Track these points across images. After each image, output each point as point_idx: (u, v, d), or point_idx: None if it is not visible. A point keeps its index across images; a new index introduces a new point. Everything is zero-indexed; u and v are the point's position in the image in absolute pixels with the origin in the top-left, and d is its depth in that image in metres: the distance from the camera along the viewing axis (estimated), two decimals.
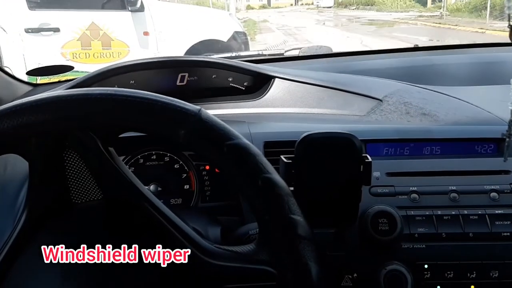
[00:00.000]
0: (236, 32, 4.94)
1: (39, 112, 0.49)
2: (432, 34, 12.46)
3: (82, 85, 1.07)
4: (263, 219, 0.52)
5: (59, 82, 1.34)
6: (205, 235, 0.70)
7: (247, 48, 5.00)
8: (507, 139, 0.50)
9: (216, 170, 0.94)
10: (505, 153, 0.68)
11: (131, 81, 1.10)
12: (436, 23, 15.50)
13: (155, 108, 0.50)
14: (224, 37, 4.84)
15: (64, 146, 0.58)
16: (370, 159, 0.68)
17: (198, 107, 0.52)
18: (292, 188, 0.68)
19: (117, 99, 0.50)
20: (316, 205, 0.69)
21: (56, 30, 4.12)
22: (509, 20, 0.49)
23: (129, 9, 4.35)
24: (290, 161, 0.68)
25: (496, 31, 11.54)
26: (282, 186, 0.52)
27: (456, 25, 13.67)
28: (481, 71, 1.24)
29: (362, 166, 0.68)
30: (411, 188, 0.79)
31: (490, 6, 14.76)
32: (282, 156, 0.69)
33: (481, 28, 12.52)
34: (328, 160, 0.68)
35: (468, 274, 0.73)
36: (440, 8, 19.20)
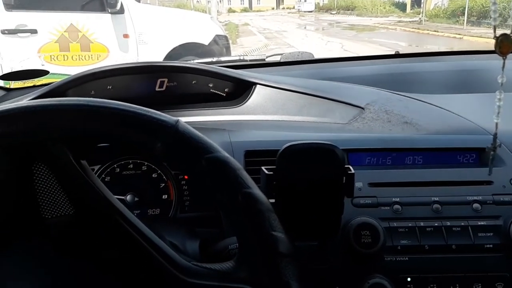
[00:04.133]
0: (218, 36, 4.92)
1: (5, 123, 0.46)
2: (411, 39, 12.65)
3: (57, 90, 1.03)
4: (243, 235, 0.50)
5: (34, 86, 1.30)
6: (183, 249, 0.68)
7: (228, 52, 4.98)
8: (492, 153, 0.49)
9: None
10: (490, 167, 0.67)
11: (108, 87, 1.07)
12: (415, 28, 15.76)
13: (130, 120, 0.48)
14: (205, 40, 4.81)
15: (33, 158, 0.55)
16: (352, 170, 0.66)
17: (175, 118, 0.50)
18: (273, 200, 0.67)
19: (90, 109, 0.48)
20: (298, 218, 0.67)
21: (34, 31, 4.03)
22: (494, 32, 0.48)
23: (109, 11, 4.28)
24: (271, 172, 0.66)
25: (473, 37, 11.78)
26: (263, 202, 0.51)
27: (435, 31, 13.90)
28: (461, 78, 1.24)
29: (344, 178, 0.67)
30: (393, 199, 0.77)
31: (467, 12, 15.06)
32: (263, 168, 0.67)
33: (459, 34, 12.77)
34: (310, 171, 0.66)
35: (451, 287, 0.72)
36: (419, 14, 19.51)
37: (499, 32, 0.48)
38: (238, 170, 0.50)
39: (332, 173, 0.66)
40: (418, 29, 15.34)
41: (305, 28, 18.57)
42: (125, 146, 0.90)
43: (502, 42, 0.49)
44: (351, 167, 0.67)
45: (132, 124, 0.47)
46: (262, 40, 12.86)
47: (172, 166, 0.87)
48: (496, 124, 0.49)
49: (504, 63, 0.49)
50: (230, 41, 6.25)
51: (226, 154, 0.50)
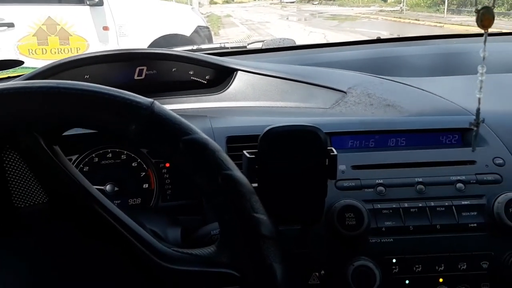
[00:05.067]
0: (199, 27, 4.87)
1: None
2: (392, 28, 12.71)
3: (32, 80, 1.00)
4: (224, 219, 0.49)
5: (8, 78, 1.26)
6: (164, 237, 0.66)
7: (210, 42, 4.93)
8: (475, 129, 0.48)
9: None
10: (473, 144, 0.67)
11: (85, 76, 1.04)
12: (396, 17, 15.83)
13: (102, 101, 0.45)
14: (187, 31, 4.76)
15: (2, 145, 0.52)
16: (335, 152, 0.65)
17: (150, 100, 0.48)
18: (256, 185, 0.65)
19: (60, 92, 0.45)
20: (281, 202, 0.66)
21: (11, 25, 3.94)
22: (476, 4, 0.47)
23: (87, 3, 4.21)
24: (253, 156, 0.65)
25: (454, 25, 11.88)
26: (244, 183, 0.49)
27: (416, 19, 13.99)
28: (443, 61, 1.24)
29: (327, 160, 0.66)
30: (377, 181, 0.77)
31: (447, 1, 15.18)
32: (245, 151, 0.66)
33: (439, 22, 12.87)
34: (292, 154, 0.65)
35: (437, 267, 0.71)
36: (400, 3, 19.61)
37: None
38: (217, 151, 0.48)
39: (315, 155, 0.65)
40: (400, 18, 15.43)
41: (287, 19, 18.52)
42: (103, 134, 0.88)
43: (483, 15, 0.48)
44: (333, 149, 0.66)
45: (105, 105, 0.45)
46: (244, 31, 12.81)
47: (148, 149, 0.85)
48: (479, 99, 0.48)
49: (485, 37, 0.48)
50: (213, 33, 6.21)
51: (205, 136, 0.48)
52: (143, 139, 0.47)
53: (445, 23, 12.50)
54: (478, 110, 0.48)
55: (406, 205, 0.74)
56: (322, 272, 0.72)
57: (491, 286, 0.71)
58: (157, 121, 0.47)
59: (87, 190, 0.52)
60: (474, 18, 0.49)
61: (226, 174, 0.48)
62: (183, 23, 4.83)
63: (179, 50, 1.12)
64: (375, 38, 1.54)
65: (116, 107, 0.46)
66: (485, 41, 0.49)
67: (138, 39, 4.43)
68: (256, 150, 0.65)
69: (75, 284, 0.51)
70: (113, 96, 0.46)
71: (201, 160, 0.48)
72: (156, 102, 0.48)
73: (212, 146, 0.48)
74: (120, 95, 0.47)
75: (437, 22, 12.88)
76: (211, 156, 0.48)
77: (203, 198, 0.51)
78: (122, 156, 0.89)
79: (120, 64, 1.06)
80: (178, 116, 0.48)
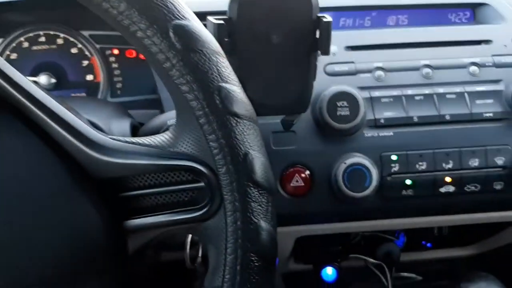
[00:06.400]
0: None
1: None
2: None
3: None
4: (181, 92, 0.34)
5: None
6: (107, 129, 0.51)
7: None
8: None
9: (128, 55, 0.73)
10: None
11: None
12: None
13: None
14: None
15: None
16: (329, 18, 0.50)
17: None
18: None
19: None
20: (259, 84, 0.52)
21: None
22: None
23: None
24: (221, 22, 0.49)
25: None
26: (206, 39, 0.35)
27: None
28: None
29: (318, 30, 0.51)
30: (375, 64, 0.63)
31: None
32: (210, 17, 0.50)
33: None
34: (273, 22, 0.49)
35: (443, 164, 0.60)
36: None
37: None
38: None
39: (302, 22, 0.50)
40: None
41: None
42: (35, 12, 0.70)
43: None
44: (327, 16, 0.50)
45: None
46: None
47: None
48: None
49: None
50: None
51: None
52: None
53: None
54: None
55: (409, 92, 0.62)
56: (308, 172, 0.60)
57: (504, 186, 0.61)
58: None
59: (13, 80, 0.36)
60: None
61: (178, 25, 0.33)
62: None
63: None
64: None
65: None
66: None
67: None
68: (226, 17, 0.49)
69: None
70: None
71: (145, 7, 0.32)
72: None
73: None
74: None
75: None
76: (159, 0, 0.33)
77: (153, 67, 0.36)
78: (58, 41, 0.72)
79: None
80: None
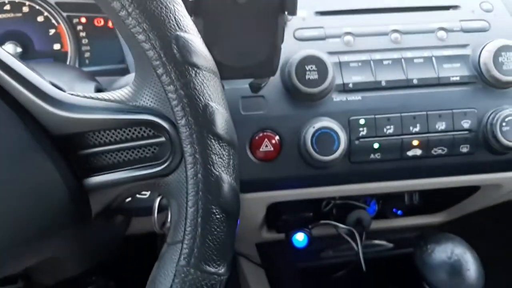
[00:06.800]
0: None
1: None
2: None
3: None
4: (137, 40, 0.34)
5: None
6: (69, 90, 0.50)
7: None
8: None
9: (97, 23, 0.71)
10: None
11: None
12: None
13: None
14: None
15: None
16: None
17: None
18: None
19: None
20: (225, 46, 0.51)
21: None
22: None
23: None
24: None
25: None
26: None
27: None
28: None
29: None
30: (344, 29, 0.63)
31: None
32: None
33: None
34: None
35: (411, 128, 0.60)
36: None
37: None
38: None
39: None
40: None
41: None
42: None
43: None
44: None
45: None
46: None
47: None
48: None
49: None
50: None
51: None
52: None
53: None
54: None
55: (378, 56, 0.62)
56: (277, 137, 0.59)
57: (470, 149, 0.61)
58: None
59: None
60: None
61: None
62: None
63: None
64: None
65: None
66: None
67: None
68: None
69: None
70: None
71: None
72: None
73: None
74: None
75: None
76: None
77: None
78: (24, 8, 0.70)
79: None
80: None
